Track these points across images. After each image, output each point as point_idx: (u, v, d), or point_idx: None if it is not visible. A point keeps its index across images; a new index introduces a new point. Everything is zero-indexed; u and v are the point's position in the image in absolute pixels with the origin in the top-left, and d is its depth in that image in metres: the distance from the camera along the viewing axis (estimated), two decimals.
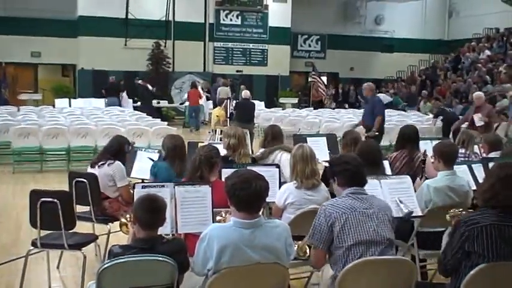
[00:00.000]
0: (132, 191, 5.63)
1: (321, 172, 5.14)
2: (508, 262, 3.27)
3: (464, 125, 10.44)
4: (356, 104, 23.87)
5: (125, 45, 22.78)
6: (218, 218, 3.87)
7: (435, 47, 28.19)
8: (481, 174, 5.31)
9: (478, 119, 9.95)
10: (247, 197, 3.18)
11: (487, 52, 23.51)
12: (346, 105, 23.22)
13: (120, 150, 5.78)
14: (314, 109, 19.37)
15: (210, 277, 3.16)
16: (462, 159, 6.02)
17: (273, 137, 6.40)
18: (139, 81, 20.45)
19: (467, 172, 5.43)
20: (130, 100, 20.20)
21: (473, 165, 5.57)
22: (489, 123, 9.98)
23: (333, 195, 4.06)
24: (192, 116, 19.38)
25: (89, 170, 5.74)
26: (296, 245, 3.62)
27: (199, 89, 19.86)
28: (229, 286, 3.19)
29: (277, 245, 3.26)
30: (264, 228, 3.24)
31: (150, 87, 20.37)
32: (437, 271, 4.83)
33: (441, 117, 14.42)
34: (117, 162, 5.67)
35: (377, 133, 9.62)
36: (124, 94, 20.24)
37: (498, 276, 3.30)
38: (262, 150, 6.38)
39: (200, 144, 5.83)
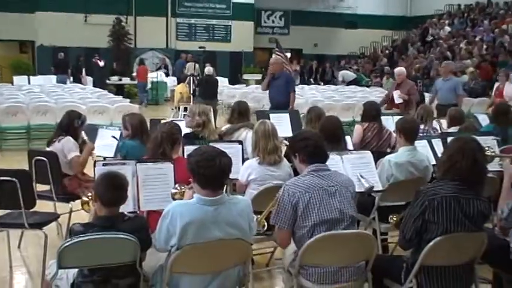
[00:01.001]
0: (81, 160, 5.55)
1: (284, 148, 5.16)
2: (466, 233, 3.35)
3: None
4: (332, 81, 23.79)
5: (85, 21, 22.32)
6: (173, 190, 3.84)
7: (398, 23, 28.42)
8: (440, 149, 5.41)
9: (398, 96, 9.78)
10: (212, 174, 3.17)
11: (448, 28, 23.80)
12: (322, 83, 22.92)
13: (70, 125, 5.68)
14: None
15: (173, 253, 3.15)
16: (421, 134, 6.12)
17: (240, 113, 6.34)
18: (96, 58, 20.12)
19: (427, 147, 5.53)
20: (91, 78, 19.85)
21: (432, 140, 5.67)
22: (409, 100, 9.83)
23: (296, 172, 4.08)
24: (142, 92, 19.80)
25: (47, 149, 5.64)
26: (255, 219, 3.62)
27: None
28: (192, 262, 3.19)
29: (240, 221, 3.27)
30: (227, 204, 3.24)
31: (101, 63, 20.05)
32: (397, 245, 4.95)
33: None
34: (67, 137, 5.56)
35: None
36: (83, 71, 19.91)
37: (456, 248, 3.38)
38: (228, 126, 6.34)
39: (162, 121, 5.77)
